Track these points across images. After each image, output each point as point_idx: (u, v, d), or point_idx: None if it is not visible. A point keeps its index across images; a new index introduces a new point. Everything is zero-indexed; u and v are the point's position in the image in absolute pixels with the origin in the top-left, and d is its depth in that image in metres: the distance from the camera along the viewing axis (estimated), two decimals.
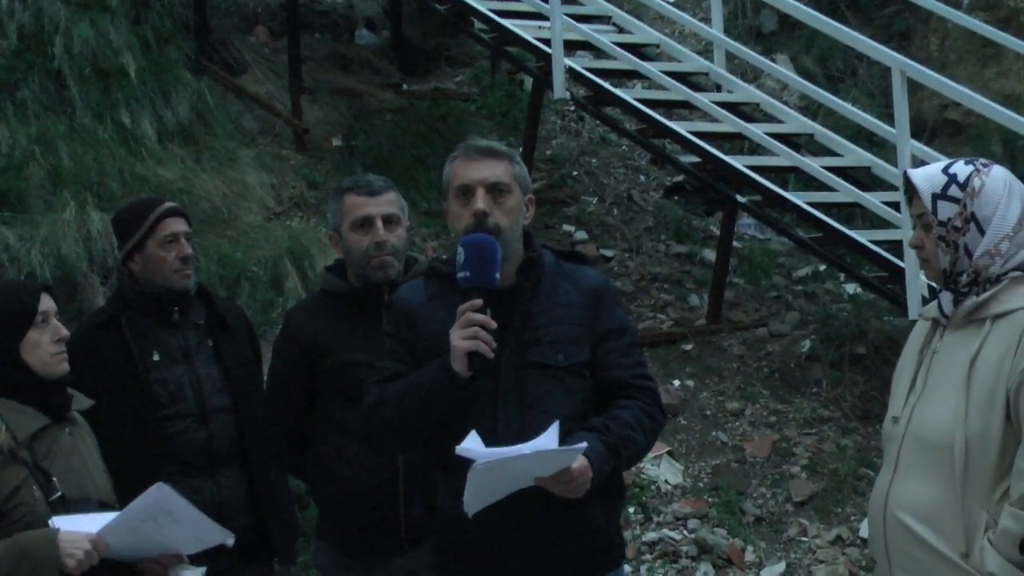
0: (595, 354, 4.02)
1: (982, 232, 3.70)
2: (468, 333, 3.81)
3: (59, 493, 3.84)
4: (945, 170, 3.76)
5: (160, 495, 3.83)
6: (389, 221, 4.76)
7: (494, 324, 3.83)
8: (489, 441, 3.77)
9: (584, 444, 3.76)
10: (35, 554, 3.72)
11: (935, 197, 3.74)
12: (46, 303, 4.02)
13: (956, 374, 3.67)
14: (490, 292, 3.85)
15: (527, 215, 4.10)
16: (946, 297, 3.77)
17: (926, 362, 3.79)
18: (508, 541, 3.90)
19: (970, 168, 3.75)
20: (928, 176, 3.78)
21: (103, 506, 3.93)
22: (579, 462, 3.76)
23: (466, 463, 3.70)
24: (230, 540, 4.10)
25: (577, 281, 4.08)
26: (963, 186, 3.72)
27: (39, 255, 8.39)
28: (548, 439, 3.73)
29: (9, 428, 3.86)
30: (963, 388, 3.64)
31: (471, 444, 3.72)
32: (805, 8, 9.58)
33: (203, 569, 4.05)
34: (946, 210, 3.73)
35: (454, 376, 3.83)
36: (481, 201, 3.95)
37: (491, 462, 3.67)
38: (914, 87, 9.09)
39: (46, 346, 3.98)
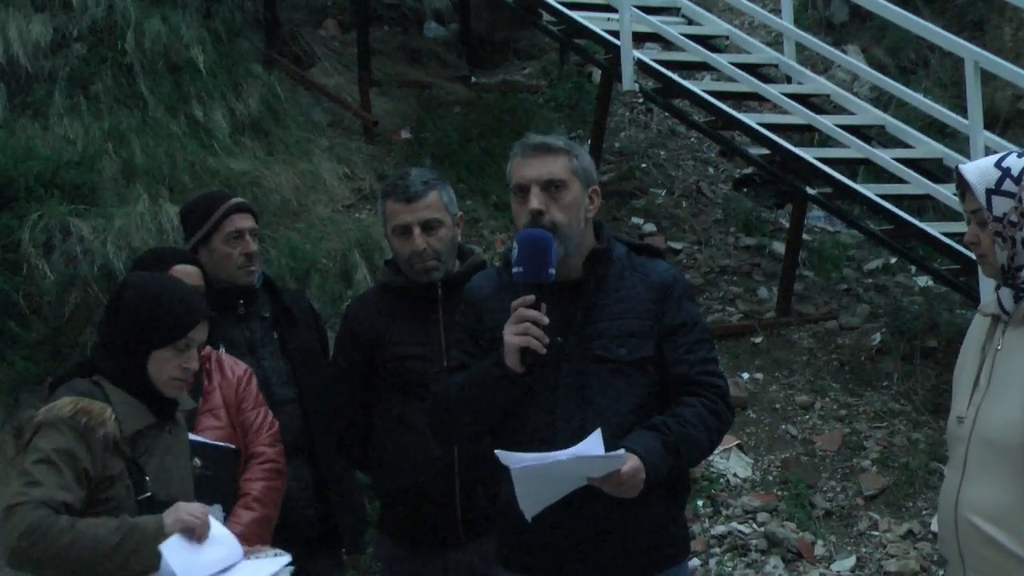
0: (661, 349, 4.01)
1: None
2: (520, 329, 3.82)
3: (148, 494, 3.87)
4: (998, 164, 3.69)
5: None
6: (428, 227, 4.74)
7: (546, 320, 3.83)
8: (547, 433, 3.79)
9: (623, 452, 3.74)
10: (143, 530, 3.77)
11: (989, 192, 3.66)
12: (199, 332, 4.03)
13: (1022, 373, 3.61)
14: (543, 287, 3.85)
15: (591, 207, 4.09)
16: (1006, 293, 3.70)
17: (989, 360, 3.71)
18: (569, 535, 3.91)
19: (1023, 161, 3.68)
20: (981, 171, 3.70)
21: None
22: (631, 464, 3.75)
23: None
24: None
25: (646, 274, 4.07)
26: (1017, 180, 3.64)
27: (113, 247, 8.48)
28: (591, 444, 3.71)
29: (118, 419, 3.90)
30: None
31: (507, 456, 3.73)
32: None
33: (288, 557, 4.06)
34: (1001, 205, 3.65)
35: (508, 371, 3.85)
36: (536, 200, 3.97)
37: (528, 466, 3.68)
38: (987, 77, 9.00)
39: (171, 370, 3.99)
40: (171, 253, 4.95)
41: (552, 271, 3.86)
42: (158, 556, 3.74)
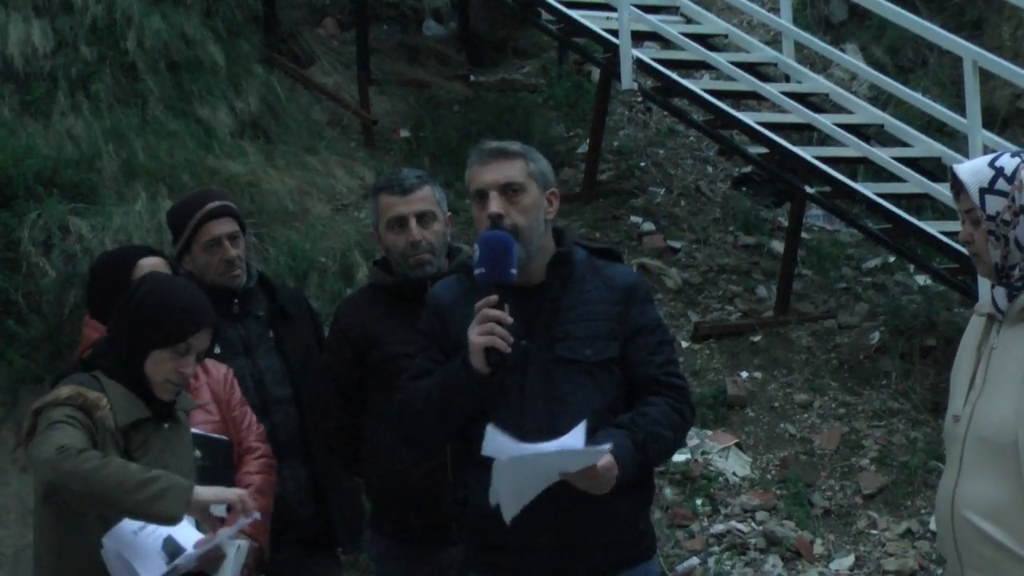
0: (625, 351, 4.06)
1: None
2: (484, 329, 3.85)
3: None
4: (991, 163, 3.70)
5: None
6: (423, 219, 4.77)
7: (510, 319, 3.86)
8: (516, 435, 3.79)
9: (608, 445, 3.79)
10: (174, 480, 3.81)
11: (982, 192, 3.67)
12: (200, 339, 4.06)
13: (1015, 371, 3.62)
14: (508, 288, 3.89)
15: (550, 210, 4.13)
16: (1000, 292, 3.71)
17: (984, 359, 3.73)
18: (537, 533, 3.93)
19: (1017, 160, 3.68)
20: (974, 170, 3.71)
21: None
22: (605, 460, 3.79)
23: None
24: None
25: (608, 278, 4.12)
26: (1011, 179, 3.65)
27: (112, 246, 8.48)
28: (574, 438, 3.75)
29: (112, 410, 3.92)
30: (1023, 385, 3.60)
31: (495, 441, 3.74)
32: None
33: (242, 542, 4.09)
34: (994, 204, 3.66)
35: (473, 372, 3.87)
36: (494, 203, 4.01)
37: (514, 457, 3.70)
38: (986, 76, 9.01)
39: (167, 372, 4.02)
40: (135, 250, 4.98)
41: (514, 271, 3.90)
42: (183, 508, 3.78)
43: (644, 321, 4.10)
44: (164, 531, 3.89)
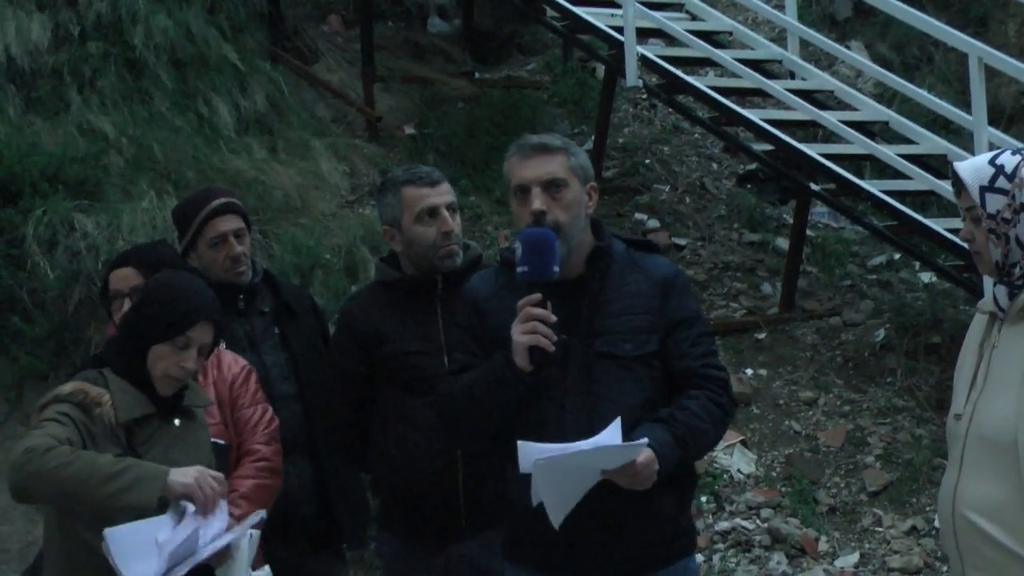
0: (664, 344, 4.03)
1: None
2: (527, 328, 3.84)
3: None
4: (992, 161, 3.69)
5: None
6: (451, 210, 4.75)
7: (553, 318, 3.84)
8: (556, 430, 3.80)
9: (645, 440, 3.77)
10: (146, 468, 3.80)
11: (983, 190, 3.66)
12: (201, 333, 4.04)
13: (1016, 369, 3.61)
14: (549, 285, 3.87)
15: (590, 204, 4.12)
16: (1001, 290, 3.70)
17: (986, 357, 3.72)
18: (578, 528, 3.90)
19: (1017, 158, 3.67)
20: (975, 168, 3.70)
21: None
22: (644, 455, 3.77)
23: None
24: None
25: (647, 270, 4.09)
26: (1011, 177, 3.64)
27: (119, 243, 8.49)
28: (610, 434, 3.75)
29: (114, 406, 3.93)
30: (1023, 385, 3.59)
31: (528, 452, 3.73)
32: None
33: (254, 532, 4.08)
34: (995, 202, 3.65)
35: (516, 370, 3.86)
36: (538, 200, 3.99)
37: (552, 457, 3.69)
38: (991, 73, 8.99)
39: (166, 366, 4.01)
40: (119, 259, 4.97)
41: (556, 269, 3.88)
42: (158, 493, 3.76)
43: (683, 314, 4.07)
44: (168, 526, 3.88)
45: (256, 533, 4.07)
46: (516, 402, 3.93)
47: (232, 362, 4.75)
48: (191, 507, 3.86)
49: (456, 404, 4.02)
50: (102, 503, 3.77)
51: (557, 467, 3.71)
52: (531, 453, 3.73)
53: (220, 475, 3.95)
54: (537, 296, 3.85)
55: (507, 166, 4.10)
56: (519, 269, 3.89)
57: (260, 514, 4.04)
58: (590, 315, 3.99)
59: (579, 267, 4.04)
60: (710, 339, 4.17)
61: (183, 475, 3.84)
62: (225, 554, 3.99)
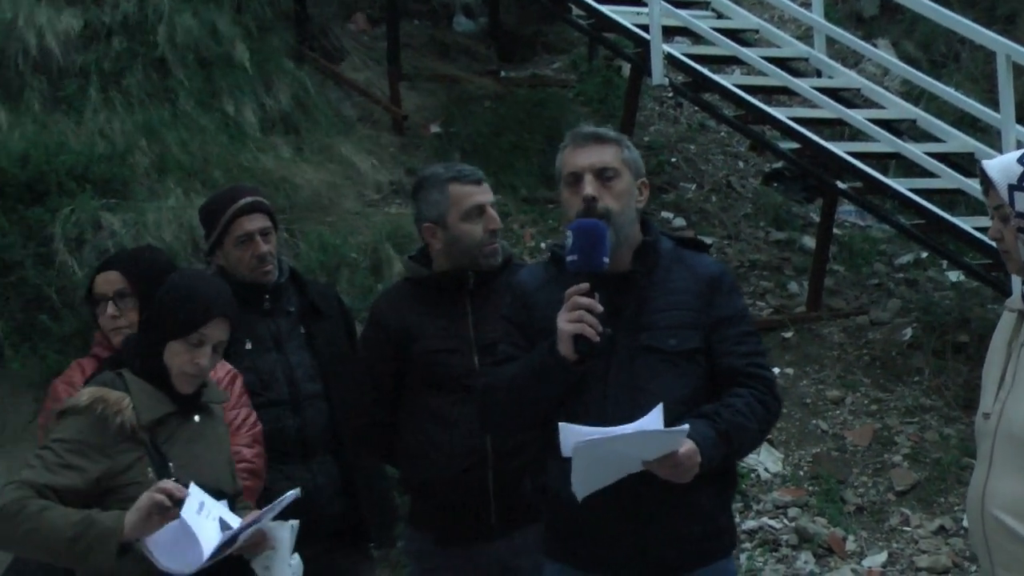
0: (709, 341, 4.02)
1: None
2: (574, 316, 3.82)
3: (173, 478, 3.89)
4: (1021, 160, 3.68)
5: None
6: (493, 208, 4.76)
7: (600, 308, 3.83)
8: (598, 422, 3.77)
9: (687, 427, 3.75)
10: (101, 527, 3.77)
11: (1011, 188, 3.65)
12: (213, 330, 4.03)
13: None
14: (598, 276, 3.86)
15: (640, 199, 4.11)
16: None
17: (1014, 356, 3.70)
18: (618, 524, 3.91)
19: None
20: (1003, 167, 3.70)
21: (219, 495, 3.97)
22: (686, 447, 3.75)
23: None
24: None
25: (693, 268, 4.09)
26: None
27: (144, 242, 8.51)
28: (651, 420, 3.73)
29: (135, 408, 3.93)
30: None
31: (569, 434, 3.73)
32: None
33: (294, 522, 4.06)
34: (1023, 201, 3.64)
35: (560, 359, 3.84)
36: (589, 186, 3.99)
37: (593, 440, 3.68)
38: (1019, 71, 8.96)
39: (182, 363, 4.01)
40: (104, 262, 4.96)
41: (606, 260, 3.87)
42: (114, 555, 3.74)
43: (728, 311, 4.06)
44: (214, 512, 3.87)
45: (295, 523, 4.06)
46: (558, 393, 3.93)
47: (220, 365, 4.75)
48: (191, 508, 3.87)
49: (498, 394, 4.02)
50: (73, 565, 3.84)
51: (598, 450, 3.70)
52: (572, 435, 3.71)
53: (169, 483, 3.87)
54: (585, 285, 3.84)
55: (560, 157, 4.12)
56: (568, 258, 3.88)
57: (295, 492, 4.03)
58: (636, 310, 3.99)
59: (626, 262, 4.03)
60: (756, 338, 4.16)
61: (136, 512, 3.78)
62: (260, 544, 3.99)
